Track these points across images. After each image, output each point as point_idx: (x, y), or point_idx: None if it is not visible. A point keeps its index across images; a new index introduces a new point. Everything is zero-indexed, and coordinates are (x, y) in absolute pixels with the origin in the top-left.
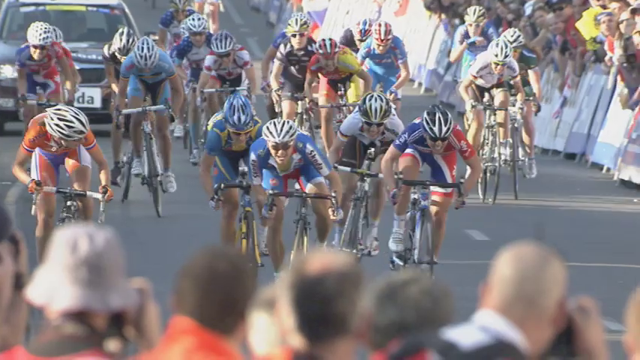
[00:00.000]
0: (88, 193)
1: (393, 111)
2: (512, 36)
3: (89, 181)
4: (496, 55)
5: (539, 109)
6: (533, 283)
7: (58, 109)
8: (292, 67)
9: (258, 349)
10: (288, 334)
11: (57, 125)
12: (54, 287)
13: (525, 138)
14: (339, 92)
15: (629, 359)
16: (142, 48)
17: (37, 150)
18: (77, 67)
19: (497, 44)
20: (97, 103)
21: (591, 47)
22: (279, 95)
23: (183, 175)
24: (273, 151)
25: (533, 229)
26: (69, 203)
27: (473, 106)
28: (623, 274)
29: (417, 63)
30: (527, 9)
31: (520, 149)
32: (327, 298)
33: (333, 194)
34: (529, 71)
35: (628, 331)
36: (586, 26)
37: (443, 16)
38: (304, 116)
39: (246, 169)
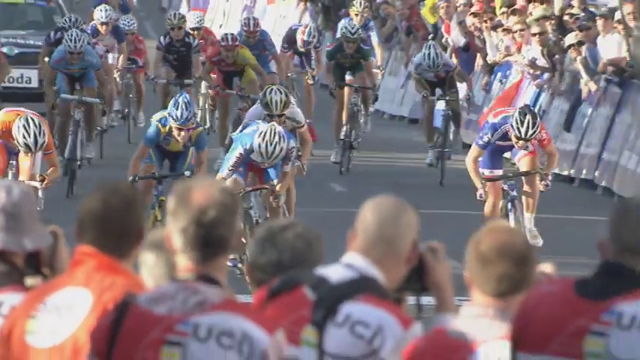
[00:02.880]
0: (26, 182)
1: (293, 100)
2: (353, 28)
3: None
4: (427, 58)
5: (376, 99)
6: (391, 227)
7: (32, 119)
8: (170, 56)
9: (147, 283)
10: (178, 256)
11: (23, 129)
12: None
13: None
14: (235, 84)
15: (469, 291)
16: (71, 34)
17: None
18: (17, 50)
19: (426, 47)
20: (34, 83)
21: (431, 39)
22: (156, 81)
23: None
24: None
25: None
26: None
27: (424, 96)
28: (462, 218)
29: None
30: None
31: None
32: (209, 224)
33: (273, 182)
34: (364, 61)
35: (467, 268)
36: (427, 13)
37: (308, 3)
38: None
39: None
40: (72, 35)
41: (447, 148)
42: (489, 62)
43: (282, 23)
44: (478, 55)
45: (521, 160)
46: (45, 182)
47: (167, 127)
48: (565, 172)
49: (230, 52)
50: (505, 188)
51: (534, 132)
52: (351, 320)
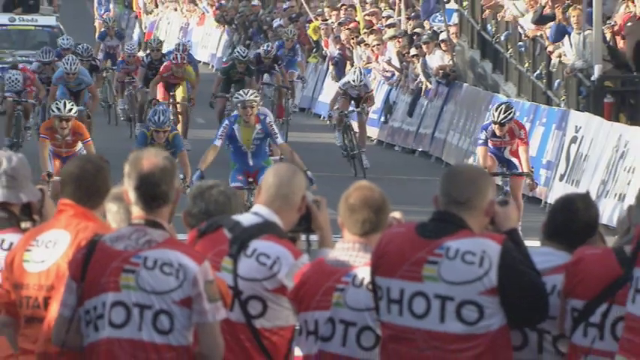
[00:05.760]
0: None
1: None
2: (243, 52)
3: None
4: (353, 80)
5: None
6: (286, 186)
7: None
8: (150, 72)
9: (111, 225)
10: (131, 206)
11: (55, 105)
12: None
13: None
14: (171, 93)
15: (341, 231)
16: (68, 58)
17: (51, 150)
18: (29, 67)
19: (353, 72)
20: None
21: (314, 59)
22: (139, 89)
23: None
24: (241, 111)
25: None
26: None
27: (331, 116)
28: (338, 180)
29: (211, 53)
30: (275, 23)
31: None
32: (155, 184)
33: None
34: (248, 78)
35: (339, 215)
36: (311, 32)
37: (225, 26)
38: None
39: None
40: (68, 59)
41: (355, 150)
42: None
43: (207, 38)
44: (347, 62)
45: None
46: None
47: (150, 132)
48: (408, 146)
49: (179, 68)
50: (500, 184)
51: (506, 117)
52: (257, 252)
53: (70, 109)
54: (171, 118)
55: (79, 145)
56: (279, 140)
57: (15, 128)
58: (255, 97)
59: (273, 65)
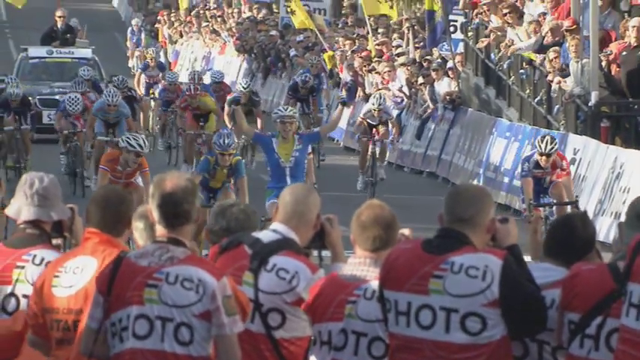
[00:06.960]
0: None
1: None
2: (245, 83)
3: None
4: (373, 104)
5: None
6: (302, 205)
7: (132, 134)
8: None
9: (138, 242)
10: (155, 224)
11: (127, 140)
12: (20, 207)
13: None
14: (200, 124)
15: (353, 247)
16: (110, 91)
17: (109, 178)
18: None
19: (374, 97)
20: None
21: (331, 82)
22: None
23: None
24: (280, 126)
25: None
26: None
27: (359, 138)
28: (348, 199)
29: (232, 81)
30: (292, 52)
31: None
32: (176, 203)
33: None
34: (254, 109)
35: (352, 232)
36: (327, 60)
37: (245, 55)
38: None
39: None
40: (110, 92)
41: (372, 177)
42: (366, 93)
43: (227, 66)
44: (359, 88)
45: (553, 193)
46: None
47: (213, 157)
48: (417, 167)
49: (193, 100)
50: (546, 214)
51: (552, 147)
52: (277, 267)
53: (141, 146)
54: (236, 141)
55: (137, 174)
56: (318, 128)
57: (74, 159)
58: (294, 113)
59: (308, 96)
